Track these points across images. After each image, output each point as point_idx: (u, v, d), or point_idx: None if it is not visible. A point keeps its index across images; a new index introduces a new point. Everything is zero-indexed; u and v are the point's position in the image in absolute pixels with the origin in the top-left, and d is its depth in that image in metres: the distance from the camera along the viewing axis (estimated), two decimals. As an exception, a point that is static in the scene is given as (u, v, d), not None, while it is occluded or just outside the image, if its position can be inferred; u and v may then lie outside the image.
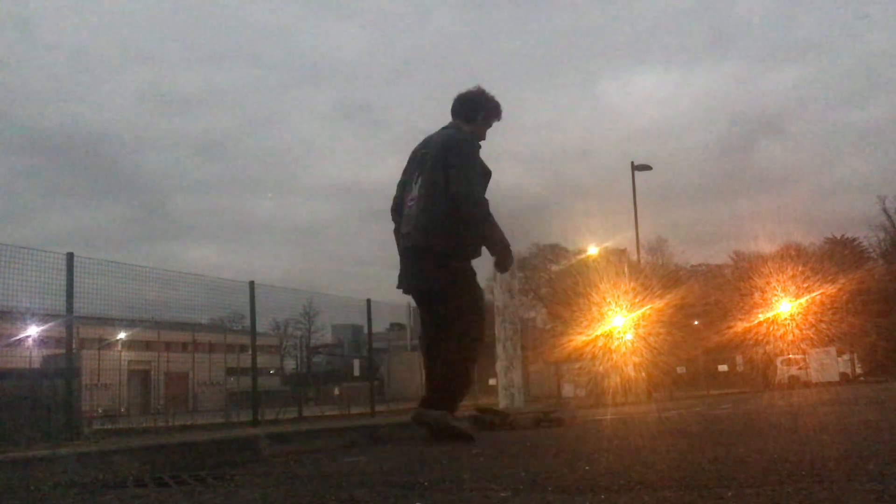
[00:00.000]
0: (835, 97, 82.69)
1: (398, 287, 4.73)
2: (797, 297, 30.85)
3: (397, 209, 4.74)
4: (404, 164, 4.83)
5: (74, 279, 9.20)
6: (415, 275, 4.56)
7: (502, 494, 2.09)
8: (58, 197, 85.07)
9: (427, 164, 4.50)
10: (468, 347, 4.44)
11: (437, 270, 4.42)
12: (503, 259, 4.55)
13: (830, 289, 31.10)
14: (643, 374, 21.02)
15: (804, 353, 33.38)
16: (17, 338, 10.48)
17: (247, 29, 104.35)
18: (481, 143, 4.71)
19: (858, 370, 35.80)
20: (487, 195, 4.55)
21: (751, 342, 32.35)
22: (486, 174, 4.62)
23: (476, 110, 4.71)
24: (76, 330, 9.82)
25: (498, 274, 8.31)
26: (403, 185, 4.72)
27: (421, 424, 4.37)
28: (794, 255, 36.14)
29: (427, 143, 4.66)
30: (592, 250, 29.96)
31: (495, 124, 4.89)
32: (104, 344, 16.87)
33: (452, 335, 4.42)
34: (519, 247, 32.14)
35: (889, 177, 71.65)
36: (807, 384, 30.56)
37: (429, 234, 4.40)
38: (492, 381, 19.14)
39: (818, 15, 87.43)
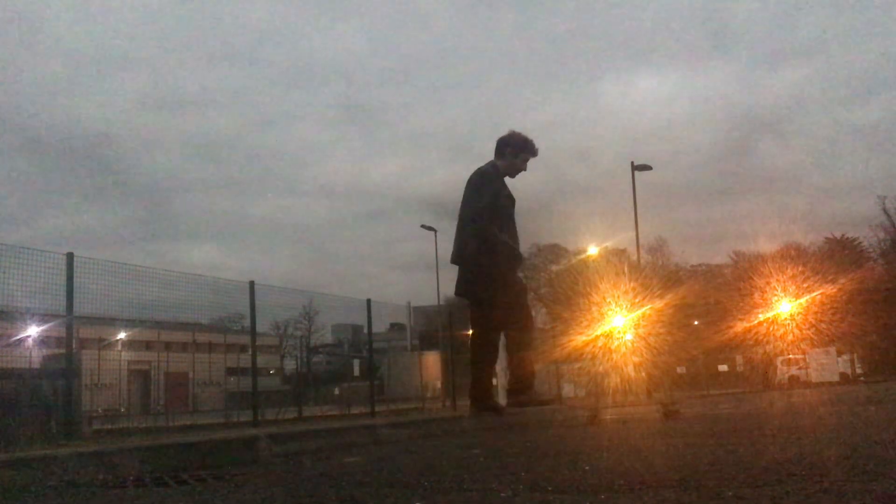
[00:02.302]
0: (835, 98, 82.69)
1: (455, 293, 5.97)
2: (797, 297, 30.80)
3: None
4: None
5: (74, 279, 9.19)
6: (460, 284, 5.67)
7: (502, 494, 2.09)
8: (58, 197, 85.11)
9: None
10: (519, 338, 5.51)
11: (475, 280, 5.52)
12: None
13: (830, 289, 31.04)
14: (643, 374, 20.99)
15: (804, 353, 33.36)
16: (17, 338, 10.46)
17: (247, 30, 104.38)
18: (522, 171, 5.76)
19: (858, 370, 35.81)
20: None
21: (751, 342, 32.29)
22: (510, 199, 5.68)
23: (503, 147, 5.71)
24: (76, 330, 9.81)
25: None
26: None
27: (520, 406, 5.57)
28: (794, 255, 36.12)
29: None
30: (592, 250, 29.96)
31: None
32: (104, 344, 16.86)
33: (508, 334, 5.52)
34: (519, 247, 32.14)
35: (889, 177, 71.59)
36: (807, 384, 30.55)
37: (459, 251, 5.55)
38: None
39: (818, 16, 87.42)
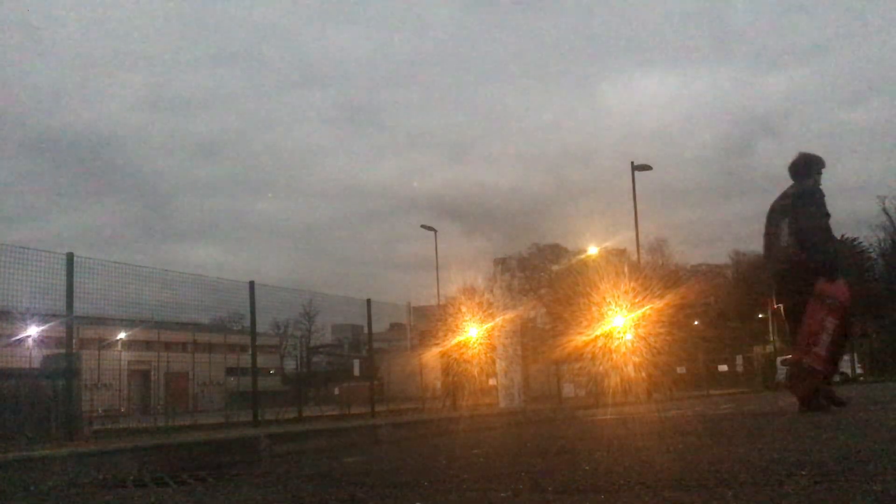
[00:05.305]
0: (834, 98, 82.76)
1: (777, 304, 6.51)
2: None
3: (769, 254, 6.40)
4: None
5: (74, 279, 9.18)
6: (789, 292, 6.10)
7: (502, 494, 2.09)
8: (59, 197, 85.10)
9: (788, 209, 6.16)
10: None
11: (803, 287, 5.83)
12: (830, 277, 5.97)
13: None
14: (643, 374, 20.98)
15: (804, 352, 33.30)
16: (17, 338, 10.46)
17: (249, 31, 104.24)
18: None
19: (858, 370, 35.84)
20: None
21: (751, 342, 32.24)
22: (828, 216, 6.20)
23: (807, 169, 6.36)
24: (76, 330, 9.80)
25: (498, 274, 8.95)
26: (769, 236, 6.32)
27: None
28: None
29: (784, 196, 6.34)
30: (592, 250, 29.92)
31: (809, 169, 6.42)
32: (104, 344, 16.87)
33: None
34: (519, 247, 32.17)
35: (889, 177, 71.57)
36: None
37: (802, 252, 5.94)
38: (492, 381, 19.11)
39: (817, 17, 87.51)
